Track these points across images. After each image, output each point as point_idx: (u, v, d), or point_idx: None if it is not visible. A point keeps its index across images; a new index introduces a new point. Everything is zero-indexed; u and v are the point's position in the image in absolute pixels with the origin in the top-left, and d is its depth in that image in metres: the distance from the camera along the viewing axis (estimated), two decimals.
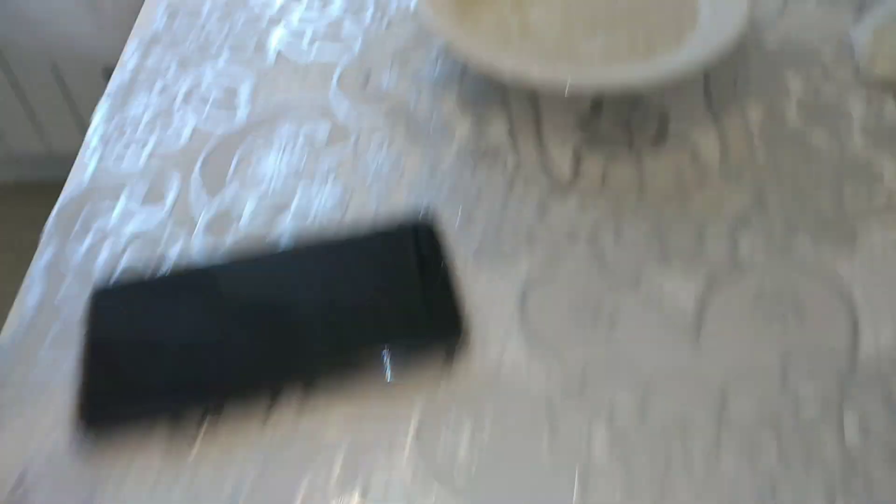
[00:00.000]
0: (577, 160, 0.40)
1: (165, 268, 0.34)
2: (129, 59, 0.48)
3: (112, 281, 0.34)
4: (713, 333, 0.32)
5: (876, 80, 0.43)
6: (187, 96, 0.45)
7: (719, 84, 0.44)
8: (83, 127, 1.13)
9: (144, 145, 0.42)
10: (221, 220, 0.37)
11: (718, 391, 0.30)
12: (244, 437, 0.29)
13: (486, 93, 0.43)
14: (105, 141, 0.42)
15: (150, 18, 0.51)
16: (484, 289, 0.34)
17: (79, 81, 1.13)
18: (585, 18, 0.44)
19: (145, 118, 0.43)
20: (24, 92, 1.16)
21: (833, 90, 0.43)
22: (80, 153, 0.41)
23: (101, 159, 0.41)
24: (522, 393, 0.30)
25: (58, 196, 0.39)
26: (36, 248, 0.37)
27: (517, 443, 0.29)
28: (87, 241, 0.37)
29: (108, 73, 1.06)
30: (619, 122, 0.42)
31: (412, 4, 0.49)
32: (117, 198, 0.39)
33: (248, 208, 0.38)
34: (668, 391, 0.30)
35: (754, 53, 0.46)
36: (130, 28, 0.50)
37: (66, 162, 0.43)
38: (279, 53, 0.48)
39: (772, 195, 0.38)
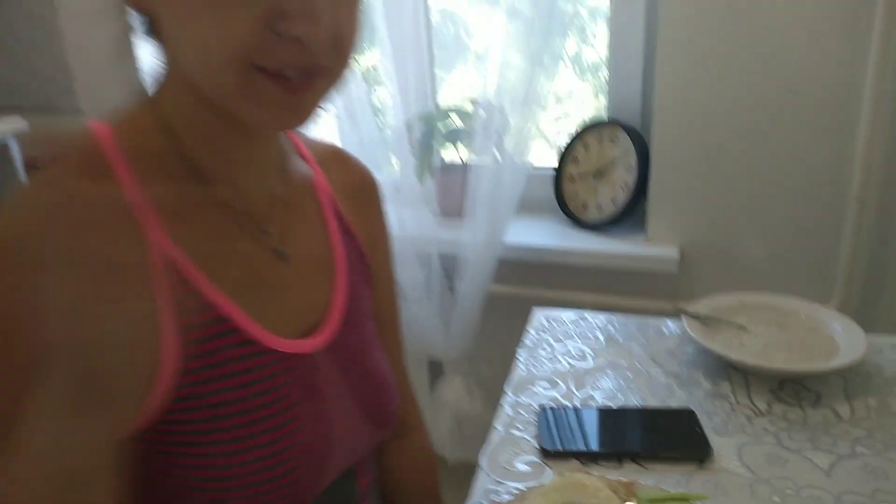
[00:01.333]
0: (768, 403, 0.78)
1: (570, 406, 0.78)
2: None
3: (550, 407, 0.78)
4: None
5: None
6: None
7: (853, 386, 0.81)
8: None
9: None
10: (588, 399, 0.81)
11: None
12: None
13: (720, 368, 0.85)
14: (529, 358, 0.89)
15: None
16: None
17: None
18: (775, 344, 0.86)
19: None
20: None
21: None
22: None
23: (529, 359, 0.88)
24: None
25: None
26: None
27: None
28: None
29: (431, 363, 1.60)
30: (795, 394, 0.80)
31: (685, 328, 0.93)
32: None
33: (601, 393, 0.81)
34: None
35: (873, 375, 0.82)
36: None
37: None
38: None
39: (879, 435, 0.72)
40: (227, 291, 0.52)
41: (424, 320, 1.56)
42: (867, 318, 1.34)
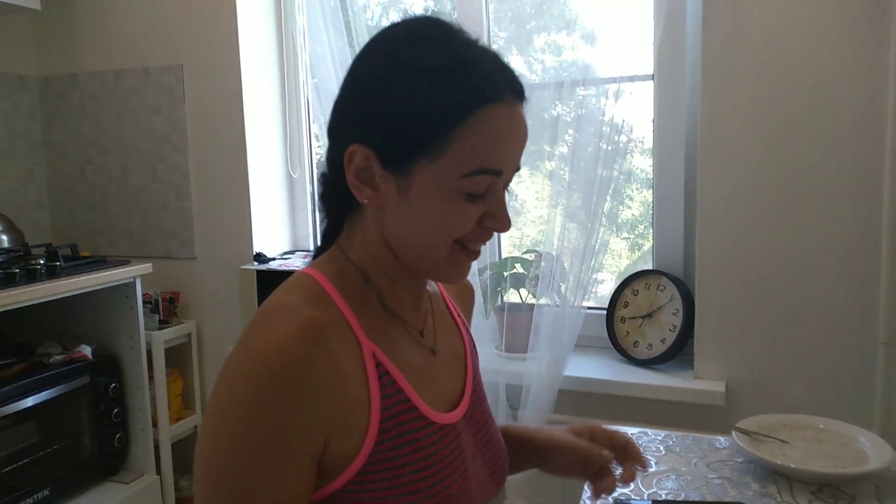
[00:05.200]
0: (809, 502, 0.92)
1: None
2: None
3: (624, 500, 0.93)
4: None
5: None
6: None
7: (883, 490, 0.94)
8: None
9: None
10: (655, 495, 0.96)
11: None
12: None
13: (766, 475, 0.99)
14: None
15: None
16: None
17: None
18: (813, 454, 1.01)
19: None
20: None
21: None
22: None
23: None
24: None
25: None
26: None
27: None
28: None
29: None
30: (832, 496, 0.94)
31: (735, 440, 1.09)
32: None
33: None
34: None
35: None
36: None
37: None
38: None
39: None
40: (407, 380, 0.70)
41: None
42: None
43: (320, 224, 2.22)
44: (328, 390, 0.63)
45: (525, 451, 0.90)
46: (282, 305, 0.66)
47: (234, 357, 0.63)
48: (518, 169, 0.71)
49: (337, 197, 0.75)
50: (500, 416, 1.72)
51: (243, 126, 2.02)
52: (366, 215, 0.73)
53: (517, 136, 0.68)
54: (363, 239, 0.73)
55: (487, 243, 0.78)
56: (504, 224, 0.69)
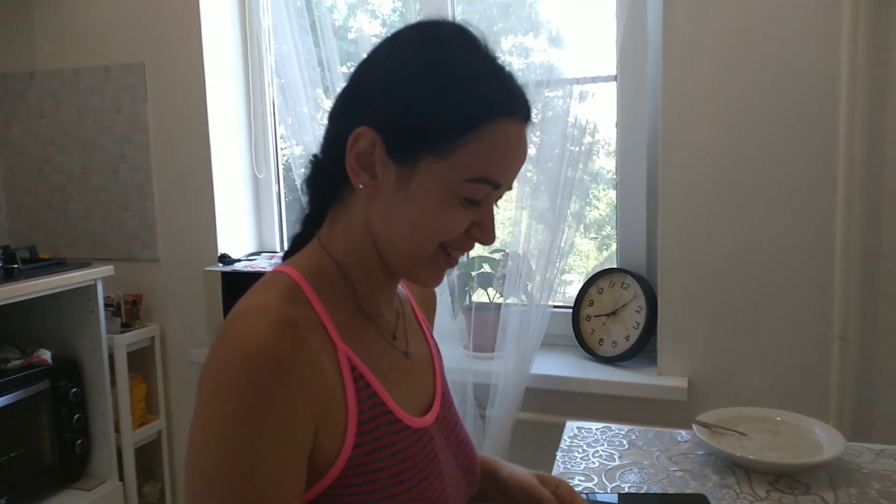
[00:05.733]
0: (767, 492, 0.95)
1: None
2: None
3: (588, 493, 0.95)
4: None
5: None
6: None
7: (836, 479, 0.98)
8: None
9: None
10: (618, 488, 0.98)
11: None
12: None
13: (726, 466, 1.02)
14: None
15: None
16: None
17: None
18: (770, 446, 1.04)
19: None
20: None
21: None
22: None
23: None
24: None
25: None
26: None
27: None
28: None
29: None
30: (789, 486, 0.97)
31: (695, 433, 1.11)
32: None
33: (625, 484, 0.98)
34: None
35: (853, 471, 0.99)
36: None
37: None
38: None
39: None
40: (382, 384, 0.69)
41: None
42: (860, 433, 1.49)
43: (287, 225, 2.20)
44: (312, 383, 0.62)
45: (486, 480, 0.88)
46: (257, 305, 0.65)
47: (215, 359, 0.62)
48: (510, 188, 0.72)
49: (326, 182, 0.74)
50: (469, 415, 1.73)
51: (207, 125, 2.00)
52: (354, 205, 0.72)
53: (521, 155, 0.71)
54: (347, 229, 0.73)
55: None
56: (490, 236, 0.71)
